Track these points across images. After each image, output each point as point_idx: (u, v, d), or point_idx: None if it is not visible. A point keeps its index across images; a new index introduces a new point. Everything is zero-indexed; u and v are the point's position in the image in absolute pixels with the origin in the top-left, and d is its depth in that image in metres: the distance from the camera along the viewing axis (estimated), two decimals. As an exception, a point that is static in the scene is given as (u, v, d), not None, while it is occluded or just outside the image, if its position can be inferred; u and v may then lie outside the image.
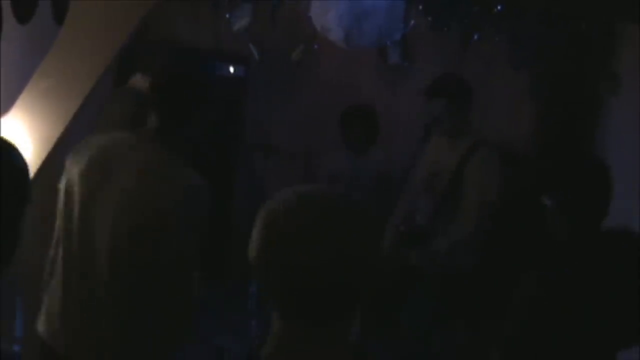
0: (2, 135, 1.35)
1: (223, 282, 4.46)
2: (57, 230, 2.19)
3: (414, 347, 3.42)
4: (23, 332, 3.03)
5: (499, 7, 3.90)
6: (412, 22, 4.10)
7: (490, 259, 3.38)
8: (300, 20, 4.21)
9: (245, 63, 5.15)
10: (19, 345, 3.01)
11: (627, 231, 2.14)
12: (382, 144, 4.26)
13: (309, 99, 5.10)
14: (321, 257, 1.16)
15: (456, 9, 4.08)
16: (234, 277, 4.16)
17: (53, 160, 3.06)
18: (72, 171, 2.15)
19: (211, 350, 3.70)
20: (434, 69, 4.40)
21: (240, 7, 4.14)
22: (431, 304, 3.35)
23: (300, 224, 1.19)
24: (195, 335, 2.42)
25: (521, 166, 4.06)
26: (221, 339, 3.79)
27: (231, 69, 5.30)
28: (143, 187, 2.04)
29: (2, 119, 2.65)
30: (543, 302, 2.10)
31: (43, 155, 3.06)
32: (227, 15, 4.19)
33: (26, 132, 2.98)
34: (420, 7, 4.09)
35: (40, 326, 2.18)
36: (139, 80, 3.24)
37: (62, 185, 2.18)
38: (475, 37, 4.21)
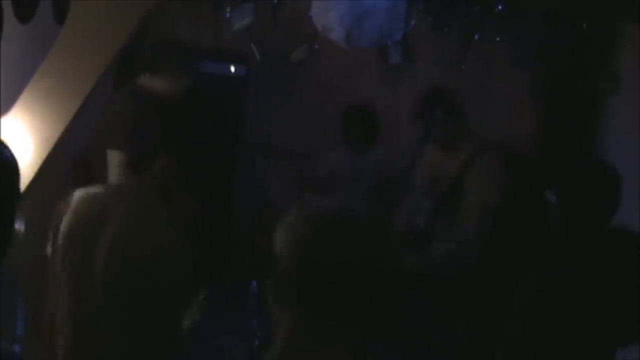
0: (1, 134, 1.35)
1: (223, 282, 4.46)
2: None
3: (414, 347, 3.42)
4: (24, 332, 3.03)
5: (499, 7, 3.91)
6: (413, 22, 4.10)
7: (491, 259, 3.38)
8: (301, 20, 4.21)
9: (246, 63, 5.15)
10: (19, 344, 3.01)
11: (627, 231, 2.14)
12: (382, 143, 4.26)
13: (309, 98, 5.11)
14: (346, 266, 1.26)
15: (457, 9, 4.09)
16: (234, 277, 4.16)
17: (53, 160, 3.06)
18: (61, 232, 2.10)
19: (211, 350, 3.70)
20: (435, 69, 4.41)
21: (241, 6, 4.14)
22: (431, 304, 3.35)
23: (328, 240, 1.28)
24: (196, 335, 2.42)
25: (522, 166, 4.06)
26: (221, 339, 3.79)
27: (232, 69, 5.30)
28: (127, 238, 2.00)
29: (3, 119, 2.66)
30: (543, 302, 2.10)
31: (43, 155, 3.05)
32: (228, 15, 4.19)
33: (27, 131, 2.98)
34: (421, 7, 4.09)
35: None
36: (146, 80, 3.24)
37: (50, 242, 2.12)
38: (476, 37, 4.22)
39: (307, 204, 1.37)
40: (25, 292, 2.98)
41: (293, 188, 4.42)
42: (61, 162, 3.13)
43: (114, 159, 2.93)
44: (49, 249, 2.10)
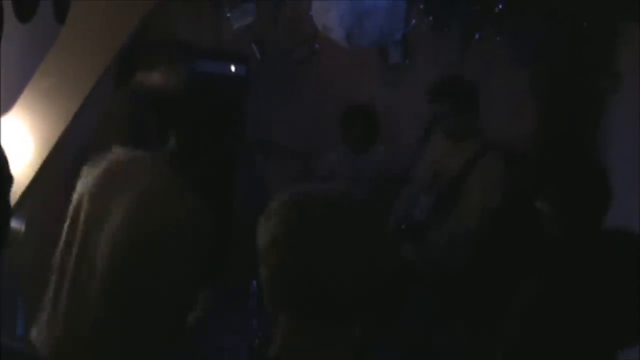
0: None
1: (223, 282, 4.45)
2: (61, 239, 2.16)
3: (414, 347, 3.42)
4: (24, 331, 3.04)
5: (500, 6, 3.91)
6: (413, 21, 4.10)
7: (490, 258, 3.38)
8: (302, 20, 4.21)
9: (246, 62, 5.14)
10: (20, 343, 3.01)
11: (627, 231, 2.14)
12: (382, 143, 4.26)
13: (309, 98, 5.10)
14: (341, 259, 1.20)
15: (457, 9, 4.09)
16: (234, 277, 4.16)
17: (53, 160, 3.06)
18: (85, 184, 2.13)
19: (211, 350, 3.70)
20: (435, 69, 4.41)
21: (242, 6, 4.14)
22: (431, 303, 3.35)
23: (319, 228, 1.20)
24: (196, 335, 2.42)
25: (521, 166, 4.06)
26: (221, 339, 3.79)
27: (232, 68, 5.29)
28: (143, 211, 2.02)
29: (3, 118, 2.66)
30: (543, 302, 2.10)
31: (44, 154, 3.06)
32: (228, 15, 4.19)
33: (27, 131, 2.98)
34: (421, 6, 4.09)
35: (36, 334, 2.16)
36: (145, 78, 3.24)
37: (74, 197, 2.15)
38: (477, 36, 4.21)
39: (293, 189, 1.28)
40: (25, 292, 2.98)
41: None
42: (61, 162, 3.13)
43: None
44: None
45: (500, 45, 4.28)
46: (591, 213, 2.14)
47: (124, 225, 2.01)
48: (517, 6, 3.92)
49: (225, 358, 3.73)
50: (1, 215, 1.20)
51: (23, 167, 2.91)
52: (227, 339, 3.80)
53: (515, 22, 4.03)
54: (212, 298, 2.27)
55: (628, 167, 3.38)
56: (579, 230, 2.13)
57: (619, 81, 3.92)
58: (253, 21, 4.15)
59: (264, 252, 1.24)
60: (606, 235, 2.14)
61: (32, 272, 2.27)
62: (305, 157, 4.74)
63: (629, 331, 2.07)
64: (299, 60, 4.63)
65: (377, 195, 3.92)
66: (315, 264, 1.19)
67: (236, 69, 5.28)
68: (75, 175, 2.21)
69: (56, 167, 3.11)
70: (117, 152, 2.19)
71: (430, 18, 4.13)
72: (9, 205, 1.22)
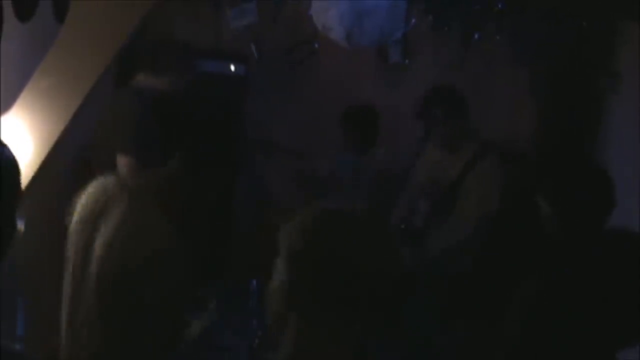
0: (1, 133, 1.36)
1: (223, 282, 4.45)
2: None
3: (414, 347, 3.42)
4: (24, 332, 3.03)
5: (500, 6, 3.91)
6: (413, 21, 4.09)
7: (490, 259, 3.38)
8: (301, 19, 4.20)
9: (246, 62, 5.14)
10: (20, 343, 3.01)
11: (627, 231, 2.14)
12: (382, 144, 4.26)
13: (309, 98, 5.10)
14: (355, 265, 1.29)
15: (457, 8, 4.09)
16: (234, 277, 4.16)
17: (53, 160, 3.06)
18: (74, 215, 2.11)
19: (211, 350, 3.70)
20: (435, 69, 4.41)
21: (242, 6, 4.14)
22: (431, 304, 3.35)
23: (346, 244, 1.32)
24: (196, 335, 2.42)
25: (521, 166, 4.06)
26: (221, 339, 3.79)
27: (232, 68, 5.29)
28: (119, 240, 2.00)
29: (3, 118, 2.65)
30: (543, 302, 2.10)
31: (43, 154, 3.05)
32: (228, 14, 4.19)
33: (27, 131, 2.98)
34: (422, 6, 4.09)
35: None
36: (145, 78, 3.24)
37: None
38: (476, 36, 4.21)
39: (311, 205, 1.39)
40: (25, 292, 2.98)
41: (293, 188, 4.42)
42: (61, 162, 3.13)
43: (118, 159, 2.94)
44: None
45: (500, 45, 4.28)
46: (591, 213, 2.14)
47: (105, 259, 1.99)
48: (517, 5, 3.92)
49: (225, 358, 3.73)
50: (6, 225, 1.21)
51: (23, 168, 2.90)
52: (227, 339, 3.80)
53: (515, 22, 4.03)
54: (216, 307, 2.27)
55: (628, 167, 3.38)
56: (579, 230, 2.13)
57: (619, 81, 3.93)
58: (255, 21, 4.15)
59: (291, 258, 1.31)
60: (606, 235, 2.14)
61: (32, 272, 2.27)
62: (305, 158, 4.74)
63: (629, 331, 2.07)
64: (299, 60, 4.63)
65: (377, 195, 3.92)
66: (337, 271, 1.28)
67: (236, 69, 5.28)
68: (75, 175, 2.20)
69: (56, 167, 3.10)
70: (96, 183, 2.15)
71: (431, 17, 4.13)
72: (14, 218, 1.23)
